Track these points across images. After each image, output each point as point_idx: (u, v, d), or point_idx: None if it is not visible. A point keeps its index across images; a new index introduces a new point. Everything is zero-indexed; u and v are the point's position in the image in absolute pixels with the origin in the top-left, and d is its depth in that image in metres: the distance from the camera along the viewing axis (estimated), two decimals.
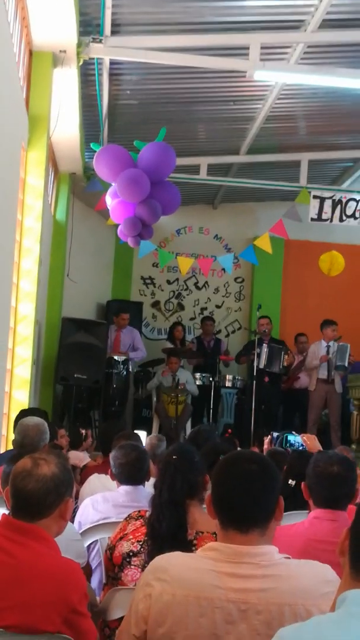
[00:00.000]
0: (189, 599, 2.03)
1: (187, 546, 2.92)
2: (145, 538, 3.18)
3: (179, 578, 2.06)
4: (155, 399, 10.78)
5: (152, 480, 4.13)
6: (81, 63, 7.34)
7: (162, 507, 3.07)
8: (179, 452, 3.26)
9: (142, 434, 6.52)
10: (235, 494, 2.13)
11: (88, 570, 3.85)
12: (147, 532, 3.14)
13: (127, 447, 4.10)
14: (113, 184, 7.34)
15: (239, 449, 7.15)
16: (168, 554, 2.20)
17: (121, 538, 3.29)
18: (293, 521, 3.32)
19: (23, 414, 5.49)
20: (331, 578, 2.07)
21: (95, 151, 7.53)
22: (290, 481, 4.31)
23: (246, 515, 2.11)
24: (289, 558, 2.16)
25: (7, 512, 2.87)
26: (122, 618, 2.33)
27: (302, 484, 3.31)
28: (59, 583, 2.33)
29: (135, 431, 6.42)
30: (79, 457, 7.04)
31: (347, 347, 10.44)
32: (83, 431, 7.72)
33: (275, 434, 7.70)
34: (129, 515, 3.39)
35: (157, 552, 2.76)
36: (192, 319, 13.24)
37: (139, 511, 3.37)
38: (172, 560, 2.14)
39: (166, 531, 3.01)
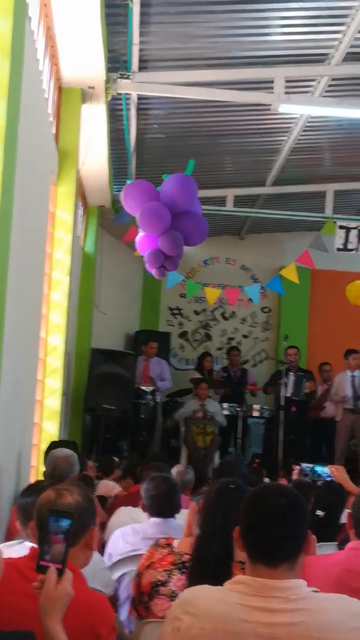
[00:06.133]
0: (217, 632, 2.02)
1: (229, 576, 2.91)
2: (173, 566, 3.18)
3: (207, 612, 2.05)
4: (183, 429, 10.77)
5: (183, 512, 4.12)
6: (109, 99, 7.45)
7: (215, 530, 3.00)
8: (236, 483, 3.22)
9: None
10: (264, 529, 2.11)
11: (114, 601, 3.83)
12: (192, 554, 3.09)
13: (159, 479, 4.07)
14: None
15: (266, 479, 7.13)
16: (196, 587, 2.20)
17: (148, 567, 3.28)
18: (322, 552, 3.32)
19: (53, 445, 5.53)
20: None
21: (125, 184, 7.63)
22: (318, 512, 4.29)
23: (275, 551, 2.10)
24: (317, 591, 2.14)
25: (29, 546, 2.89)
26: None
27: (347, 513, 3.30)
28: (87, 616, 2.32)
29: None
30: (109, 487, 7.03)
31: None
32: (116, 459, 7.71)
33: (304, 465, 7.65)
34: (156, 543, 3.37)
35: (199, 576, 2.74)
36: (219, 349, 13.22)
37: (167, 539, 3.36)
38: (200, 594, 2.13)
39: (214, 556, 2.96)
